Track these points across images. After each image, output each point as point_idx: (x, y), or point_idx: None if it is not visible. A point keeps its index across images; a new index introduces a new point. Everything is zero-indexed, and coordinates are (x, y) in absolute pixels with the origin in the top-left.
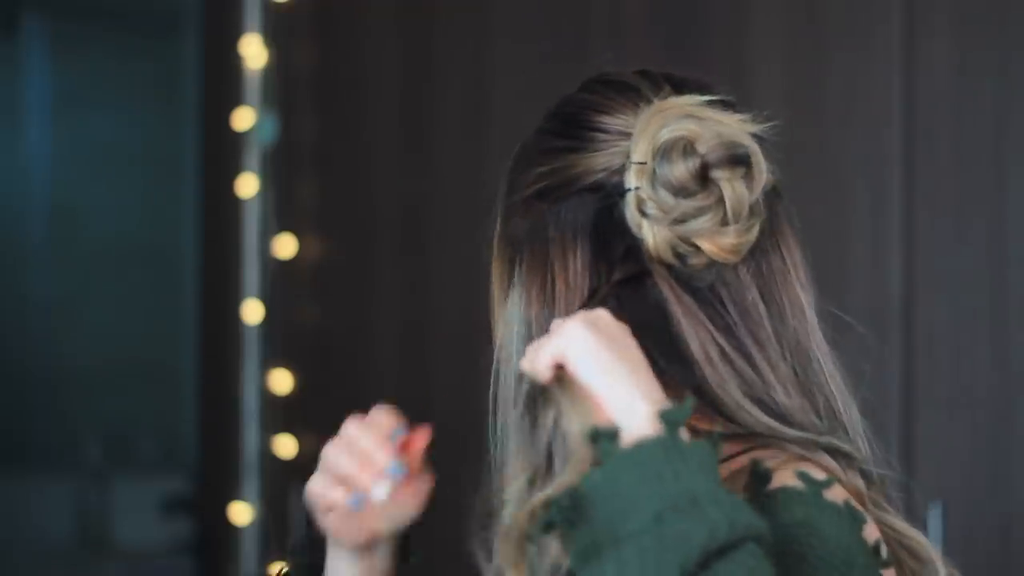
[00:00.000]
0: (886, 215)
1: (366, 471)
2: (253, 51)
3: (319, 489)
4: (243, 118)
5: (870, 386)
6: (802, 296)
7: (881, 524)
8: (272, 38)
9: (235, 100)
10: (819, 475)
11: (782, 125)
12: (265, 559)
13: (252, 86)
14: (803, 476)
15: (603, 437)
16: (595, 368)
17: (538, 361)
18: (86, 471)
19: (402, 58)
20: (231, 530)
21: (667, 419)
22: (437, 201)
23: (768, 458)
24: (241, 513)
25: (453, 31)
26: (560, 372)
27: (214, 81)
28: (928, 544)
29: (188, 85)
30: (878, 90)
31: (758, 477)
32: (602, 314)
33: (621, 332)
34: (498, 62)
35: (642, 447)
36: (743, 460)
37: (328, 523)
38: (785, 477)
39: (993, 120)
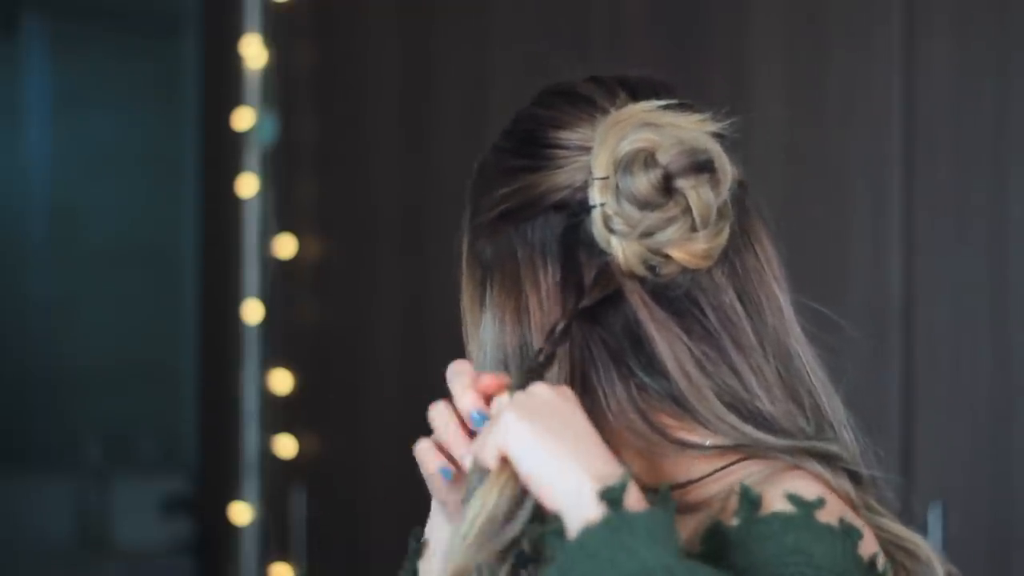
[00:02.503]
0: (886, 215)
1: (459, 440)
2: (253, 51)
3: (422, 454)
4: (243, 118)
5: (870, 387)
6: (778, 291)
7: (875, 527)
8: (272, 38)
9: (235, 100)
10: (810, 495)
11: (782, 125)
12: (265, 559)
13: (252, 86)
14: (793, 499)
15: (550, 534)
16: (537, 459)
17: (484, 454)
18: (86, 471)
19: (402, 58)
20: (231, 530)
21: (608, 497)
22: (437, 201)
23: (757, 471)
24: (241, 513)
25: (453, 31)
26: (505, 462)
27: (214, 81)
28: (924, 544)
29: (188, 85)
30: (878, 90)
31: (748, 503)
32: (538, 391)
33: (560, 404)
34: (498, 62)
35: (589, 535)
36: (734, 472)
37: (434, 485)
38: (776, 500)
39: (993, 120)
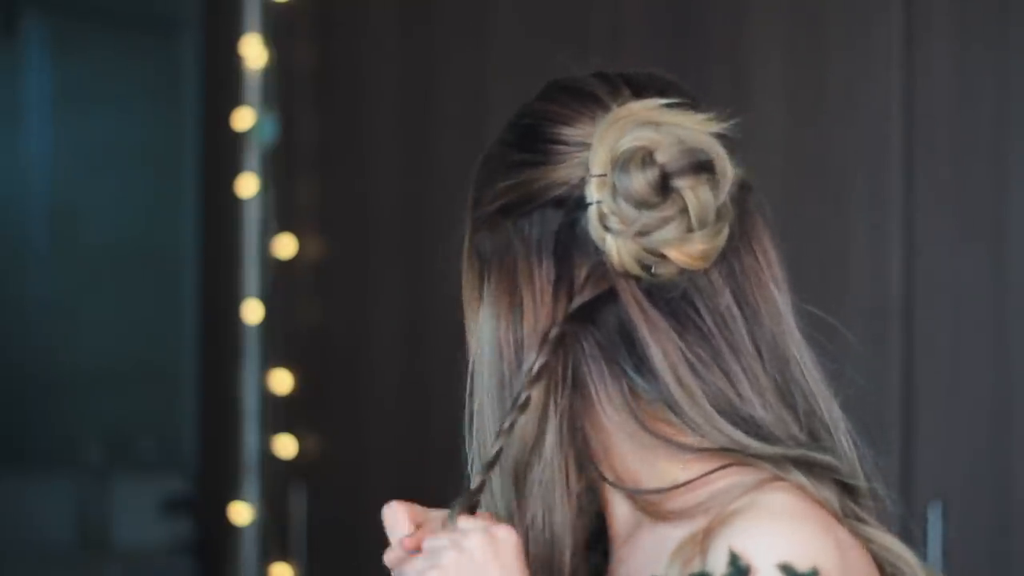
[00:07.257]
0: (886, 215)
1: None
2: (253, 51)
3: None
4: (243, 118)
5: (870, 387)
6: (777, 294)
7: (863, 538)
8: (272, 38)
9: (235, 100)
10: (804, 565)
11: (782, 125)
12: (265, 559)
13: (252, 86)
14: (786, 569)
15: None
16: None
17: None
18: (86, 471)
19: (402, 58)
20: (231, 530)
21: None
22: (437, 201)
23: (740, 483)
24: (241, 513)
25: (453, 31)
26: None
27: (214, 81)
28: (911, 556)
29: (188, 85)
30: (878, 90)
31: (736, 570)
32: (472, 545)
33: (489, 562)
34: (498, 62)
35: None
36: (718, 479)
37: None
38: (766, 567)
39: (993, 120)
